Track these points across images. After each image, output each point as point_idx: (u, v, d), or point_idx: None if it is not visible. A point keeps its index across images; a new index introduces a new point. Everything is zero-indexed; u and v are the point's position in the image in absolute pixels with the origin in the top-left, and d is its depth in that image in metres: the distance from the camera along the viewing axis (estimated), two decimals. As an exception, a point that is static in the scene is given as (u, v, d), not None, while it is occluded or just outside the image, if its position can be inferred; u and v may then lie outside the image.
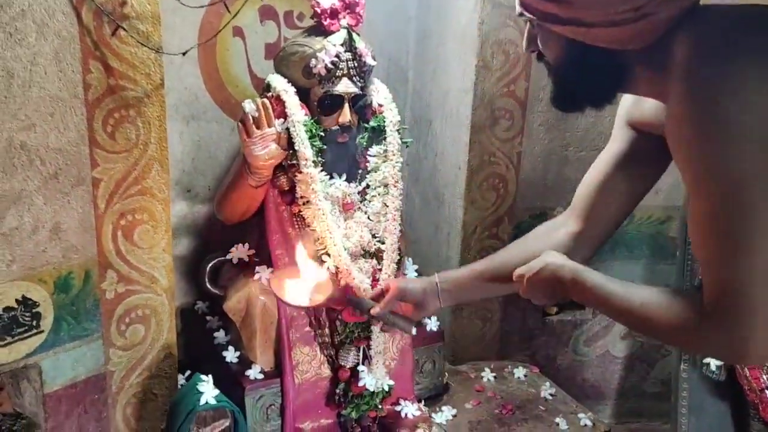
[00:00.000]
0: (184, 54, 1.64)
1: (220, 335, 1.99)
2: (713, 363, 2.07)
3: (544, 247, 1.30)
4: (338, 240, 1.79)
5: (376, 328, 1.86)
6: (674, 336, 1.07)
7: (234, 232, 1.98)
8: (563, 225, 1.40)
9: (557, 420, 2.03)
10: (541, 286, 1.22)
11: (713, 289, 0.97)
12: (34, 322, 1.52)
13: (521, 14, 1.11)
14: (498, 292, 1.46)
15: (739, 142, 0.92)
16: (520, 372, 2.27)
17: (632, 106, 1.29)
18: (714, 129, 0.94)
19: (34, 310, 1.51)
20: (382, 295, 1.45)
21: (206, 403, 1.56)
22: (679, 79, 0.98)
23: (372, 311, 1.42)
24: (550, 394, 2.16)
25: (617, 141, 1.34)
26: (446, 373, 2.21)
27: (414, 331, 1.50)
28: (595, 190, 1.36)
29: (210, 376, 1.63)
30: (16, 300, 1.48)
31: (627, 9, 0.98)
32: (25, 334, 1.51)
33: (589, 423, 2.03)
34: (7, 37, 1.34)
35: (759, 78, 0.92)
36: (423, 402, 2.05)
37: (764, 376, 2.00)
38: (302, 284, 1.41)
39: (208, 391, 1.58)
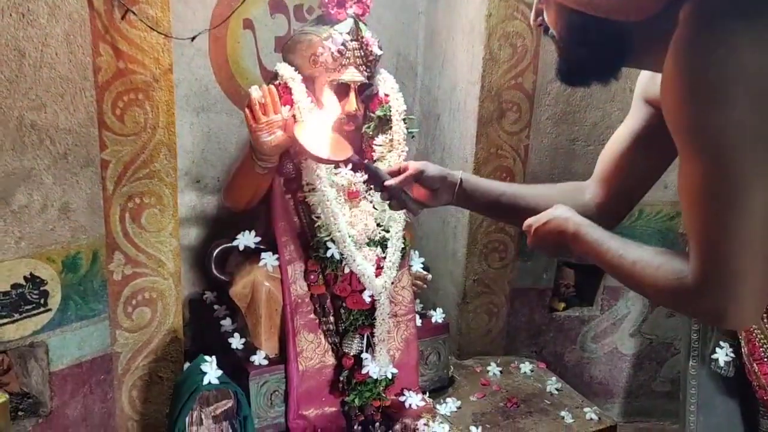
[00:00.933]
0: (192, 39, 1.67)
1: (227, 323, 2.00)
2: (721, 359, 2.04)
3: (565, 203, 1.27)
4: (343, 227, 1.80)
5: (380, 316, 1.87)
6: (662, 296, 1.07)
7: (241, 221, 2.00)
8: (588, 190, 1.40)
9: (562, 414, 2.01)
10: (545, 237, 1.22)
11: (699, 256, 0.97)
12: (42, 300, 1.55)
13: None
14: (504, 218, 1.47)
15: (728, 106, 0.92)
16: (526, 367, 2.26)
17: (648, 82, 1.28)
18: (704, 92, 0.93)
19: (41, 288, 1.54)
20: (400, 172, 1.39)
21: (209, 383, 1.57)
22: (675, 42, 0.99)
23: (386, 183, 1.37)
24: (556, 389, 2.15)
25: (634, 117, 1.34)
26: (452, 367, 2.21)
27: (419, 212, 1.43)
28: (614, 162, 1.35)
29: (213, 357, 1.64)
30: (24, 277, 1.51)
31: None
32: (33, 312, 1.54)
33: (594, 417, 2.01)
34: (20, 17, 1.38)
35: (750, 43, 0.92)
36: (427, 393, 2.05)
37: (774, 373, 1.98)
38: (325, 138, 1.40)
39: (211, 371, 1.59)
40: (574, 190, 1.40)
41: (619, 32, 1.06)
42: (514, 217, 1.37)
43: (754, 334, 1.99)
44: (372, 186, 1.41)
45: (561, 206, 1.23)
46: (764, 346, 1.97)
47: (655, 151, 1.29)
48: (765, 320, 1.99)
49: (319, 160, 1.51)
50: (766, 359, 1.98)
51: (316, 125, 1.43)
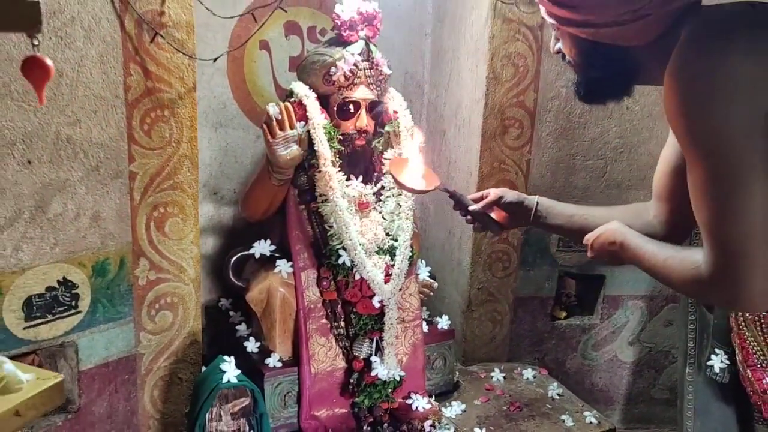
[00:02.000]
0: (215, 60, 1.79)
1: (242, 328, 2.10)
2: (716, 366, 2.12)
3: (634, 223, 1.39)
4: (354, 236, 1.91)
5: (388, 321, 1.97)
6: (687, 288, 1.19)
7: (256, 230, 2.11)
8: (650, 209, 1.49)
9: (563, 417, 2.09)
10: (600, 249, 1.35)
11: (711, 248, 1.07)
12: (73, 303, 1.65)
13: (545, 19, 1.27)
14: (575, 237, 1.54)
15: (722, 111, 1.03)
16: (529, 373, 2.35)
17: None
18: (699, 100, 1.04)
19: (73, 291, 1.65)
20: (482, 199, 1.54)
21: (228, 381, 1.66)
22: (670, 67, 1.10)
23: (470, 208, 1.52)
24: (558, 394, 2.23)
25: (670, 135, 1.42)
26: (457, 372, 2.30)
27: (500, 233, 1.61)
28: (663, 183, 1.44)
29: (232, 357, 1.74)
30: (58, 281, 1.62)
31: (626, 11, 1.12)
32: (65, 313, 1.64)
33: (594, 421, 2.09)
34: (58, 40, 1.50)
35: (739, 54, 1.03)
36: (434, 397, 2.13)
37: (767, 379, 2.06)
38: (416, 171, 1.54)
39: (230, 370, 1.69)
40: (638, 210, 1.50)
41: (627, 55, 1.19)
42: (583, 235, 1.46)
43: (747, 342, 2.08)
44: (458, 210, 1.57)
45: (613, 222, 1.37)
46: (757, 353, 2.06)
47: None
48: (758, 328, 2.08)
49: (413, 191, 1.66)
50: (759, 366, 2.06)
51: (408, 160, 1.59)
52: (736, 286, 1.06)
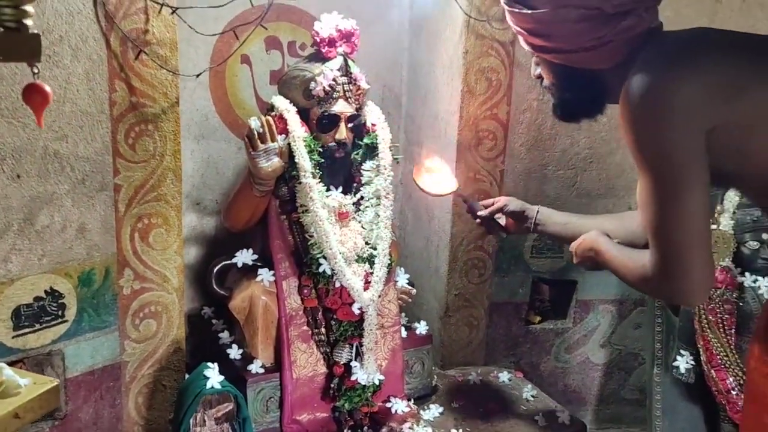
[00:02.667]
0: (197, 76, 1.85)
1: (225, 336, 2.15)
2: (682, 366, 2.21)
3: (622, 232, 1.56)
4: (334, 245, 1.97)
5: (368, 327, 2.03)
6: (637, 285, 1.33)
7: (238, 240, 2.16)
8: (636, 217, 1.62)
9: (536, 418, 2.17)
10: (582, 254, 1.53)
11: (654, 248, 1.21)
12: (60, 312, 1.70)
13: (524, 48, 1.41)
14: (568, 243, 1.70)
15: (662, 131, 1.14)
16: (504, 376, 2.42)
17: None
18: (643, 119, 1.16)
19: (60, 301, 1.69)
20: (491, 206, 1.79)
21: (212, 387, 1.72)
22: (624, 87, 1.21)
23: (479, 213, 1.78)
24: (532, 396, 2.31)
25: None
26: (435, 375, 2.36)
27: (503, 236, 1.86)
28: None
29: (216, 363, 1.79)
30: (45, 291, 1.66)
31: (592, 38, 1.26)
32: (52, 323, 1.69)
33: (566, 420, 2.17)
34: (47, 59, 1.55)
35: (682, 80, 1.14)
36: (412, 400, 2.20)
37: (730, 378, 2.15)
38: (436, 177, 1.82)
39: (214, 377, 1.74)
40: (624, 219, 1.66)
41: (596, 78, 1.33)
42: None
43: (711, 343, 2.18)
44: (470, 215, 1.84)
45: (593, 231, 1.53)
46: (720, 354, 2.16)
47: None
48: (721, 330, 2.19)
49: (431, 195, 1.92)
50: (722, 366, 2.17)
51: (430, 169, 1.84)
52: (675, 282, 1.19)
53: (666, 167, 1.15)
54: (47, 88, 0.96)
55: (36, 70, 0.91)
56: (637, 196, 1.22)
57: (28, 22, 0.86)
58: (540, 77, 1.44)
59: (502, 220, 1.83)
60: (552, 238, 1.92)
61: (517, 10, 1.31)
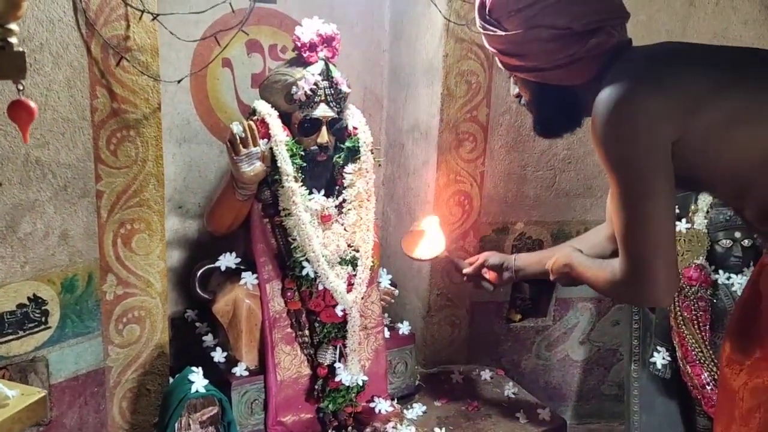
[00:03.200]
0: (179, 82, 1.85)
1: (209, 339, 2.16)
2: (659, 362, 2.27)
3: (589, 252, 1.61)
4: (317, 248, 1.99)
5: (351, 329, 2.06)
6: (607, 290, 1.40)
7: (222, 244, 2.17)
8: (602, 231, 1.72)
9: (518, 415, 2.21)
10: (558, 271, 1.60)
11: (624, 257, 1.27)
12: (43, 318, 1.70)
13: (501, 69, 1.47)
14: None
15: (627, 143, 1.20)
16: (486, 374, 2.46)
17: None
18: (609, 133, 1.22)
19: (43, 308, 1.70)
20: (475, 261, 1.87)
21: (197, 391, 1.73)
22: (595, 101, 1.26)
23: (464, 270, 1.88)
24: (513, 393, 2.35)
25: None
26: (418, 375, 2.39)
27: (491, 289, 1.91)
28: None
29: (200, 367, 1.80)
30: (28, 298, 1.67)
31: (564, 55, 1.32)
32: (35, 329, 1.69)
33: (547, 417, 2.21)
34: (28, 67, 1.54)
35: (646, 93, 1.20)
36: (396, 400, 2.23)
37: (705, 373, 2.21)
38: (427, 243, 1.93)
39: (198, 381, 1.75)
40: (594, 235, 1.74)
41: (571, 93, 1.39)
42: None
43: (686, 339, 2.24)
44: (457, 273, 1.93)
45: (566, 246, 1.63)
46: (695, 350, 2.22)
47: None
48: (695, 326, 2.24)
49: (421, 261, 2.04)
50: (698, 362, 2.23)
51: (416, 234, 1.94)
52: (641, 285, 1.25)
53: (631, 177, 1.21)
54: (32, 104, 0.97)
55: (21, 87, 0.92)
56: (609, 204, 1.30)
57: (13, 40, 0.87)
58: (518, 96, 1.51)
59: (488, 275, 1.90)
60: (538, 278, 1.92)
61: (491, 32, 1.37)
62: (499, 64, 1.45)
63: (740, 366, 1.31)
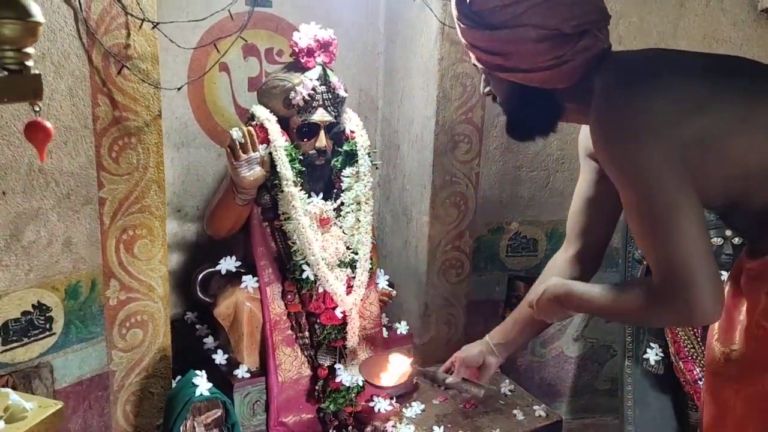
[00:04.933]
0: (179, 89, 1.87)
1: (209, 341, 2.19)
2: (652, 359, 2.31)
3: (551, 275, 1.54)
4: (316, 251, 2.02)
5: (351, 330, 2.09)
6: (644, 316, 1.30)
7: (221, 247, 2.19)
8: (563, 252, 1.62)
9: (515, 412, 2.25)
10: (546, 305, 1.45)
11: (658, 270, 1.17)
12: (48, 325, 1.72)
13: (475, 65, 1.38)
14: (536, 331, 1.66)
15: (640, 152, 1.15)
16: (483, 372, 2.50)
17: (586, 140, 1.51)
18: (619, 145, 1.18)
19: (47, 314, 1.71)
20: (451, 368, 1.67)
21: (201, 394, 1.75)
22: (594, 109, 1.24)
23: (446, 381, 1.65)
24: (510, 390, 2.39)
25: (584, 171, 1.58)
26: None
27: (482, 393, 1.71)
28: (578, 215, 1.58)
29: (204, 371, 1.83)
30: (32, 305, 1.68)
31: (551, 57, 1.25)
32: (40, 336, 1.71)
33: (543, 414, 2.26)
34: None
35: (642, 99, 1.17)
36: (394, 399, 2.26)
37: (697, 369, 2.26)
38: (385, 368, 1.77)
39: (202, 384, 1.78)
40: (553, 264, 1.64)
41: (550, 97, 1.32)
42: (536, 326, 1.61)
43: (678, 336, 2.28)
44: (438, 386, 1.70)
45: (552, 278, 1.48)
46: (688, 346, 2.26)
47: (608, 196, 1.45)
48: (687, 323, 2.27)
49: (385, 389, 1.86)
50: (690, 357, 2.27)
51: (375, 360, 1.78)
52: (688, 303, 1.13)
53: (653, 184, 1.13)
54: (48, 125, 0.98)
55: (38, 108, 0.94)
56: (630, 223, 1.21)
57: (29, 63, 0.88)
58: (489, 94, 1.42)
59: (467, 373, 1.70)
60: (527, 340, 1.79)
61: (473, 28, 1.29)
62: (475, 61, 1.36)
63: (727, 371, 1.28)
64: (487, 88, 1.41)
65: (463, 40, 1.34)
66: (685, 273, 1.12)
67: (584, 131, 1.53)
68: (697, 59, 1.30)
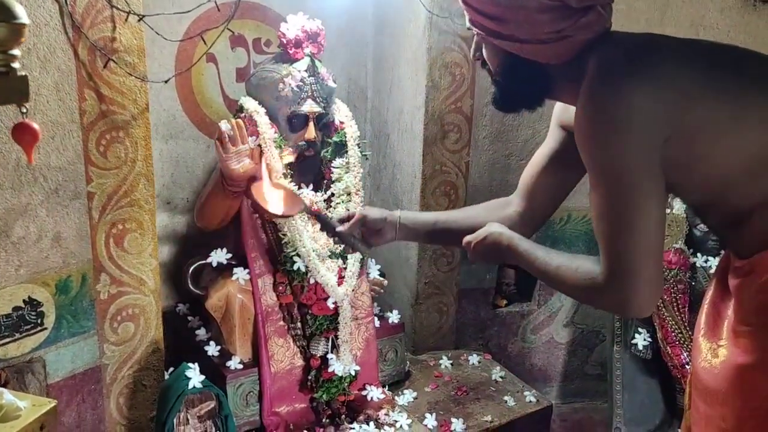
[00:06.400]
0: (166, 82, 1.86)
1: (201, 333, 2.19)
2: (640, 344, 2.34)
3: (493, 219, 1.49)
4: (307, 243, 2.02)
5: (342, 320, 2.10)
6: (578, 293, 1.30)
7: (212, 239, 2.19)
8: (512, 204, 1.59)
9: (505, 398, 2.28)
10: (484, 251, 1.43)
11: (606, 260, 1.18)
12: (39, 320, 1.72)
13: (470, 28, 1.34)
14: (444, 242, 1.63)
15: (620, 144, 1.14)
16: (474, 359, 2.52)
17: (562, 111, 1.50)
18: (600, 131, 1.16)
19: (38, 310, 1.71)
20: (348, 219, 1.60)
21: (194, 387, 1.76)
22: (583, 90, 1.22)
23: (337, 229, 1.57)
24: (501, 377, 2.42)
25: (551, 139, 1.55)
26: (408, 362, 2.45)
27: (367, 251, 1.68)
28: (534, 178, 1.56)
29: (196, 364, 1.84)
30: (23, 300, 1.68)
31: (551, 31, 1.21)
32: (32, 331, 1.71)
33: (533, 399, 2.29)
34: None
35: (641, 91, 1.15)
36: (387, 387, 2.28)
37: (684, 353, 2.29)
38: (278, 196, 1.61)
39: (195, 377, 1.79)
40: (498, 207, 1.61)
41: (543, 72, 1.29)
42: (451, 239, 1.57)
43: (666, 321, 2.31)
44: (325, 232, 1.62)
45: (495, 224, 1.45)
46: (675, 331, 2.30)
47: (568, 168, 1.48)
48: (675, 308, 2.31)
49: (276, 217, 1.68)
50: (677, 342, 2.31)
51: (270, 185, 1.63)
52: (626, 293, 1.16)
53: (626, 178, 1.14)
54: (35, 126, 0.98)
55: (25, 110, 0.93)
56: (593, 206, 1.21)
57: (16, 65, 0.88)
58: (479, 59, 1.37)
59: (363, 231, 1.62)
60: (422, 241, 1.73)
61: None
62: (469, 24, 1.31)
63: (714, 367, 1.27)
64: (477, 53, 1.36)
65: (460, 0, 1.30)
66: (632, 270, 1.15)
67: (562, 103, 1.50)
68: (694, 49, 1.27)
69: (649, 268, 1.15)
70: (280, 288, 2.05)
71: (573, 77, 1.24)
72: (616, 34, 1.28)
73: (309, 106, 2.02)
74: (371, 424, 2.09)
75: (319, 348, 2.09)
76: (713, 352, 1.28)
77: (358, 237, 1.58)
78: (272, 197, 1.61)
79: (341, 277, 2.09)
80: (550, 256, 1.32)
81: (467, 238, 1.46)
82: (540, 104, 1.36)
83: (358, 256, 2.12)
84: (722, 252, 2.28)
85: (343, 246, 1.63)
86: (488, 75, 1.38)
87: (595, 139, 1.17)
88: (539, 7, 1.18)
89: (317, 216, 1.62)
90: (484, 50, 1.35)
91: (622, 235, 1.16)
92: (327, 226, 1.59)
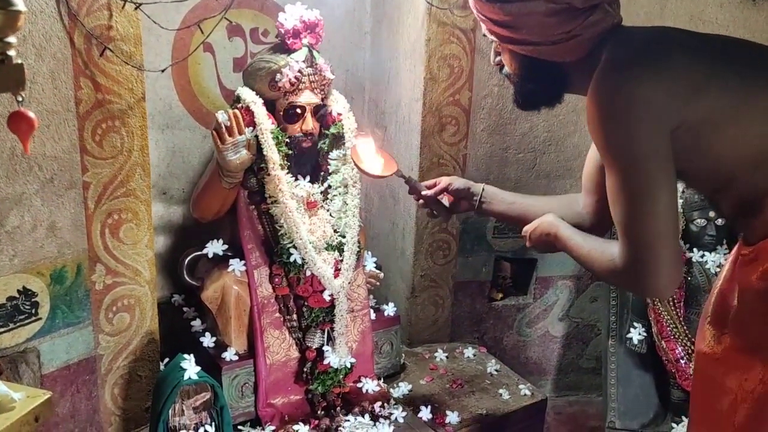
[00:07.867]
0: (163, 71, 1.85)
1: (197, 324, 2.19)
2: (635, 338, 2.35)
3: (565, 215, 1.56)
4: (304, 235, 2.01)
5: (338, 313, 2.10)
6: (605, 276, 1.37)
7: (208, 230, 2.18)
8: (579, 202, 1.65)
9: (500, 391, 2.28)
10: (537, 239, 1.53)
11: (625, 244, 1.25)
12: (33, 310, 1.71)
13: (485, 35, 1.42)
14: (515, 223, 1.71)
15: (628, 132, 1.19)
16: (469, 352, 2.53)
17: None
18: (608, 120, 1.21)
19: (33, 300, 1.71)
20: (434, 186, 1.71)
21: (189, 378, 1.76)
22: (593, 82, 1.26)
23: (423, 193, 1.69)
24: (496, 370, 2.42)
25: None
26: (403, 354, 2.45)
27: (449, 217, 1.78)
28: (590, 177, 1.60)
29: (192, 355, 1.83)
30: (18, 290, 1.67)
31: (561, 32, 1.28)
32: (26, 321, 1.70)
33: (528, 393, 2.29)
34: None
35: (648, 81, 1.19)
36: (382, 379, 2.28)
37: (679, 348, 2.30)
38: (375, 158, 1.72)
39: (190, 368, 1.78)
40: (570, 202, 1.67)
41: (559, 69, 1.36)
42: (521, 222, 1.63)
43: (661, 316, 2.32)
44: (413, 195, 1.73)
45: (548, 214, 1.54)
46: (670, 325, 2.30)
47: None
48: (670, 303, 2.32)
49: (372, 177, 1.77)
50: (672, 337, 2.31)
51: (367, 149, 1.73)
52: (644, 276, 1.23)
53: (634, 166, 1.19)
54: (31, 115, 0.97)
55: (20, 98, 0.92)
56: (608, 192, 1.26)
57: (11, 53, 0.87)
58: (500, 64, 1.46)
59: (445, 200, 1.75)
60: (497, 217, 1.85)
61: (485, 0, 1.31)
62: (485, 32, 1.40)
63: (717, 353, 1.31)
64: (498, 58, 1.45)
65: (475, 11, 1.37)
66: (649, 253, 1.20)
67: None
68: (703, 41, 1.32)
69: (665, 250, 1.20)
70: (276, 280, 2.04)
71: (589, 71, 1.30)
72: (628, 28, 1.34)
73: (306, 98, 2.01)
74: (366, 416, 2.09)
75: (315, 340, 2.09)
76: (717, 339, 1.32)
77: (441, 203, 1.70)
78: (368, 158, 1.70)
79: (337, 270, 2.09)
80: (586, 241, 1.40)
81: (525, 228, 1.57)
82: (559, 101, 1.43)
83: (354, 248, 2.11)
84: (723, 246, 2.30)
85: (426, 210, 1.74)
86: (508, 80, 1.45)
87: (606, 127, 1.22)
88: (547, 12, 1.25)
89: (407, 179, 1.71)
90: (502, 57, 1.43)
91: (636, 219, 1.21)
92: (414, 189, 1.70)
